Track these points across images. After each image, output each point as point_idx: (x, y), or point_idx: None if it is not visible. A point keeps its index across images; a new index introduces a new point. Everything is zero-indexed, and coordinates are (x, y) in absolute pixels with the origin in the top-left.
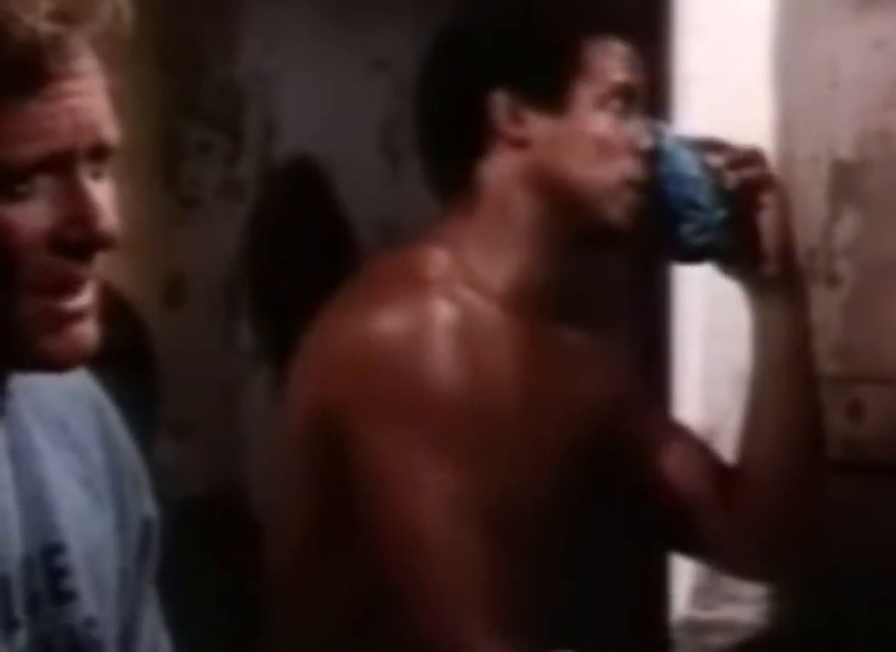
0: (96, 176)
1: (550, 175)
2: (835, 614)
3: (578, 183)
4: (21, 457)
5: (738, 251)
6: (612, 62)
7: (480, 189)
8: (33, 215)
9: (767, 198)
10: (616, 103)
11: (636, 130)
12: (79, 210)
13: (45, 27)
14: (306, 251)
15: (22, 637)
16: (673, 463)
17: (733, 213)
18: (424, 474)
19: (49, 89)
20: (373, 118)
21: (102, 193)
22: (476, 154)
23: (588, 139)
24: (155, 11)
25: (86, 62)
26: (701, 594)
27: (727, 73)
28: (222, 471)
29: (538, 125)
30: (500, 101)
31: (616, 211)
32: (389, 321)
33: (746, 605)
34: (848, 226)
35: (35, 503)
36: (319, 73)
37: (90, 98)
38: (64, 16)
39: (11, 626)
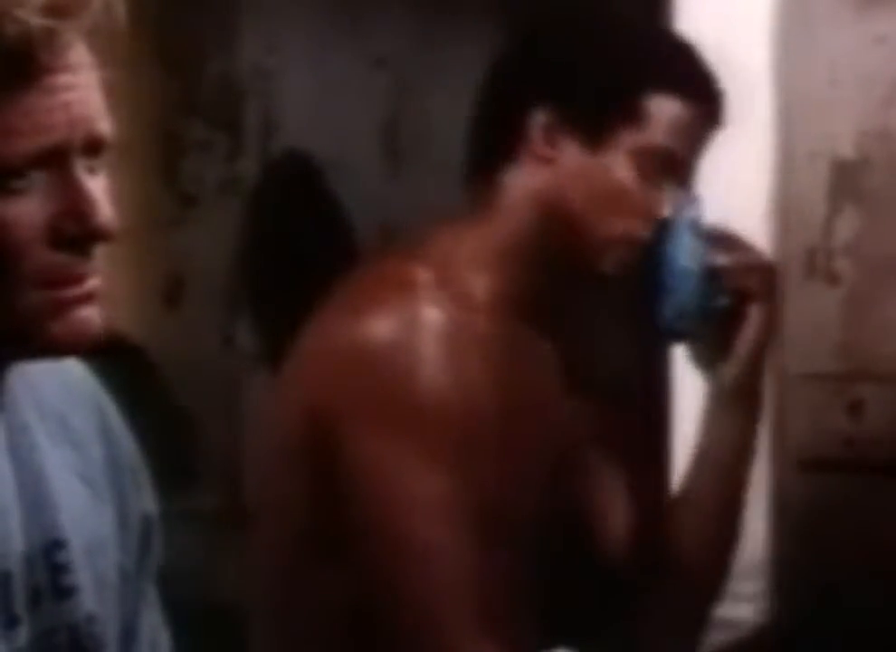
0: (91, 170)
1: (562, 204)
2: (835, 613)
3: (584, 222)
4: (21, 453)
5: (709, 346)
6: (667, 123)
7: (495, 195)
8: (30, 210)
9: (755, 311)
10: (652, 163)
11: (660, 196)
12: (75, 204)
13: (38, 21)
14: (305, 249)
15: (22, 633)
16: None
17: (717, 311)
18: (413, 481)
19: (43, 83)
20: (373, 116)
21: (98, 187)
22: (503, 160)
23: (611, 184)
24: (155, 9)
25: (79, 55)
26: None
27: (727, 73)
28: (220, 469)
29: (568, 151)
30: (541, 117)
31: (608, 262)
32: (379, 327)
33: (745, 603)
34: (848, 225)
35: (36, 499)
36: (318, 71)
37: (84, 91)
38: (56, 10)
39: (12, 622)
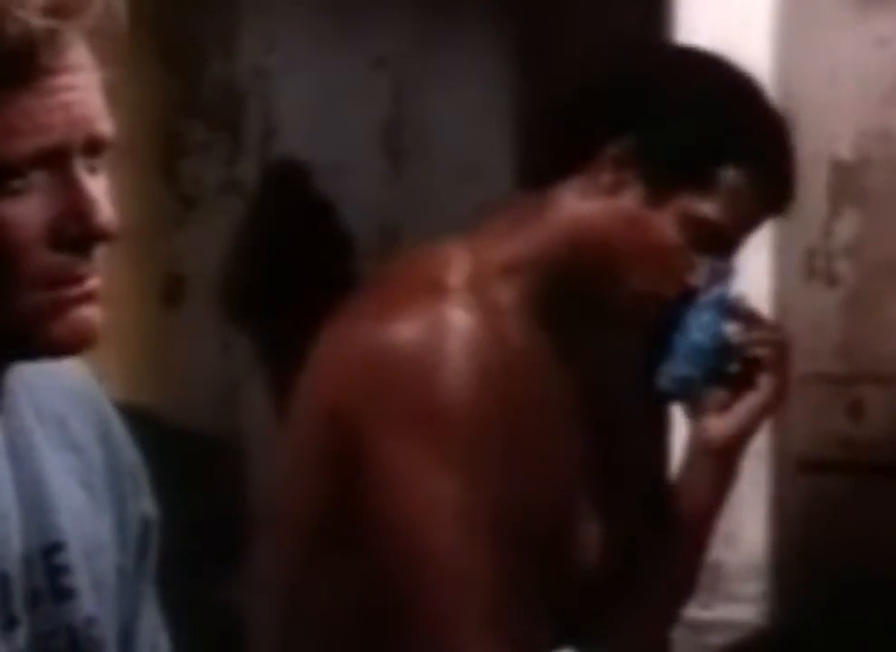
0: (92, 170)
1: (603, 240)
2: (835, 613)
3: (616, 266)
4: (20, 456)
5: (707, 402)
6: (730, 198)
7: (543, 207)
8: (30, 210)
9: (765, 381)
10: (701, 233)
11: (697, 264)
12: (76, 204)
13: (38, 22)
14: (304, 250)
15: (21, 635)
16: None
17: (723, 377)
18: (430, 484)
19: (43, 83)
20: (373, 117)
21: (98, 187)
22: (563, 175)
23: (656, 240)
24: (155, 9)
25: (80, 56)
26: (701, 593)
27: None
28: (221, 469)
29: (630, 194)
30: (617, 150)
31: (627, 311)
32: (406, 331)
33: (745, 604)
34: (848, 226)
35: (35, 501)
36: (318, 72)
37: (84, 92)
38: (57, 11)
39: (10, 624)
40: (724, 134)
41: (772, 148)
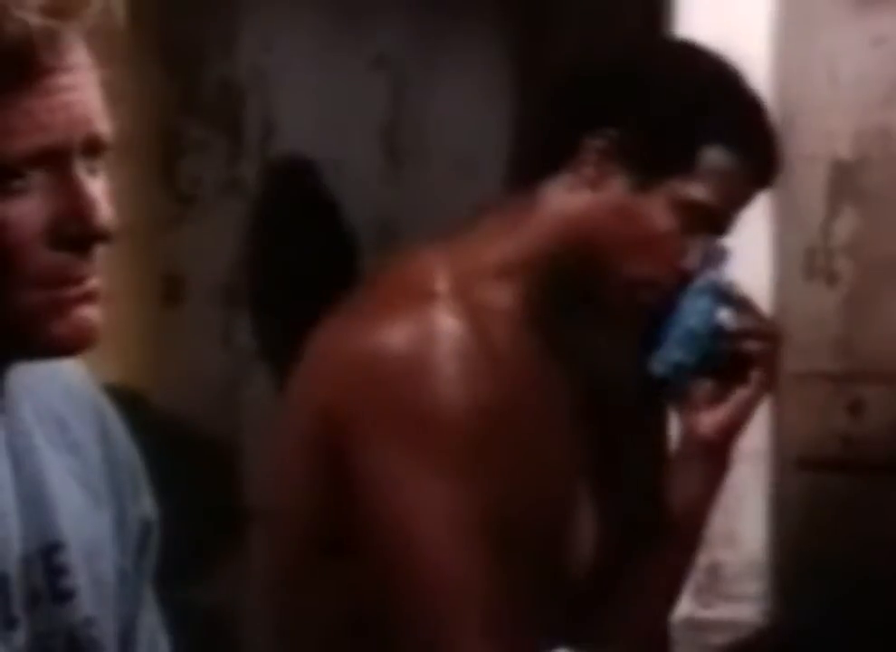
0: (91, 171)
1: (594, 233)
2: (835, 612)
3: (610, 258)
4: (20, 456)
5: (694, 394)
6: (715, 178)
7: (530, 206)
8: (29, 210)
9: (755, 375)
10: (691, 216)
11: (690, 247)
12: (75, 204)
13: (38, 21)
14: (305, 249)
15: (20, 635)
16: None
17: (712, 367)
18: (420, 487)
19: (43, 83)
20: (373, 116)
21: (98, 187)
22: (549, 171)
23: (647, 228)
24: (155, 9)
25: (79, 55)
26: (701, 592)
27: None
28: (221, 468)
29: (616, 184)
30: (600, 141)
31: (624, 300)
32: (395, 336)
33: (745, 604)
34: (847, 224)
35: (34, 501)
36: (318, 71)
37: (84, 92)
38: (56, 10)
39: (10, 624)
40: (703, 115)
41: (751, 122)
